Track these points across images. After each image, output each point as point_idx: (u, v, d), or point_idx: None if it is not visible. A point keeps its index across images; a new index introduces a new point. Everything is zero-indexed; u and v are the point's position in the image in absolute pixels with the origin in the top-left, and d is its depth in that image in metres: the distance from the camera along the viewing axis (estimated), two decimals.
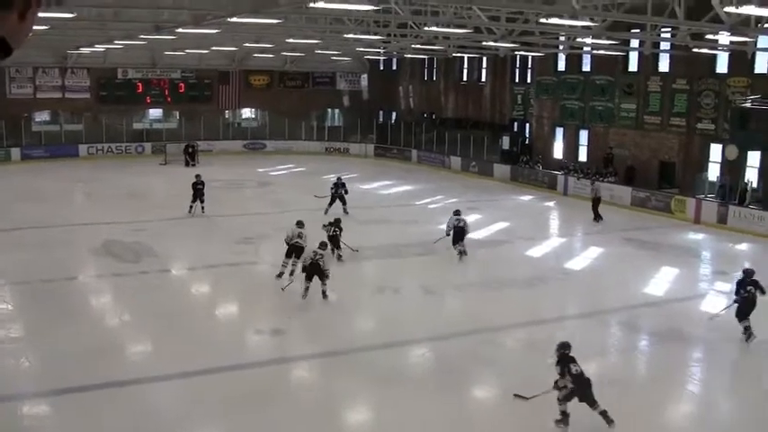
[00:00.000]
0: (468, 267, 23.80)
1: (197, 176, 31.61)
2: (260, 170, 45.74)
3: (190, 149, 46.53)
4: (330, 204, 30.80)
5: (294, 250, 20.90)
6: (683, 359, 16.60)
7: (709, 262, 26.67)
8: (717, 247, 28.23)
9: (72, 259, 23.63)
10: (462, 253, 24.19)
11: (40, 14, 21.81)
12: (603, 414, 12.12)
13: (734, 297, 17.05)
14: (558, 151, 43.37)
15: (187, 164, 45.83)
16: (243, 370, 14.96)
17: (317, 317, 18.67)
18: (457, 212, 25.00)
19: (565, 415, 12.43)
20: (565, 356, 12.43)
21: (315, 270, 18.85)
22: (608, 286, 21.67)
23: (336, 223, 23.52)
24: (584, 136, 41.80)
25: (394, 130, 54.51)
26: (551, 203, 36.49)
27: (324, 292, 19.16)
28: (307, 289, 19.01)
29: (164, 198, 35.69)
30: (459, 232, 24.32)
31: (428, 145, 50.52)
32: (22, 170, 44.07)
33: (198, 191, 30.81)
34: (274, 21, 25.99)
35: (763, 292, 16.72)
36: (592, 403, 12.20)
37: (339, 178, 32.12)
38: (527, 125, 46.40)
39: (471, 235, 26.02)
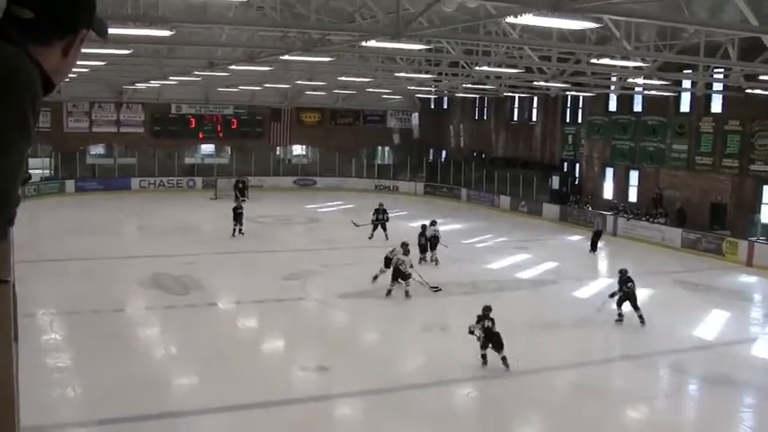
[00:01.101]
0: (514, 307, 23.57)
1: (237, 201, 36.78)
2: (309, 206, 45.95)
3: (240, 185, 46.90)
4: (373, 231, 33.39)
5: (396, 272, 23.72)
6: (733, 405, 16.21)
7: (760, 305, 26.10)
8: None
9: (121, 291, 23.84)
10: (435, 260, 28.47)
11: (98, 50, 22.30)
12: (503, 359, 16.89)
13: (617, 291, 21.61)
14: (608, 191, 43.02)
15: (237, 199, 46.16)
16: (287, 405, 14.93)
17: (364, 354, 18.61)
18: (433, 222, 29.68)
19: (484, 358, 17.14)
20: (483, 317, 17.30)
21: (397, 273, 22.09)
22: (657, 329, 21.27)
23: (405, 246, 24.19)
24: (634, 176, 41.43)
25: (444, 168, 54.60)
26: (600, 244, 36.06)
27: (406, 292, 22.56)
28: (389, 291, 22.76)
29: (213, 232, 35.93)
30: (433, 242, 28.55)
31: (478, 184, 50.46)
32: (76, 202, 44.77)
33: (238, 215, 34.51)
34: (327, 59, 26.23)
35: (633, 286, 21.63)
36: (498, 349, 16.98)
37: (381, 204, 34.63)
38: (577, 165, 46.15)
39: (520, 274, 25.84)
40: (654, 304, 24.72)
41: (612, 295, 21.62)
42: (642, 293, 26.07)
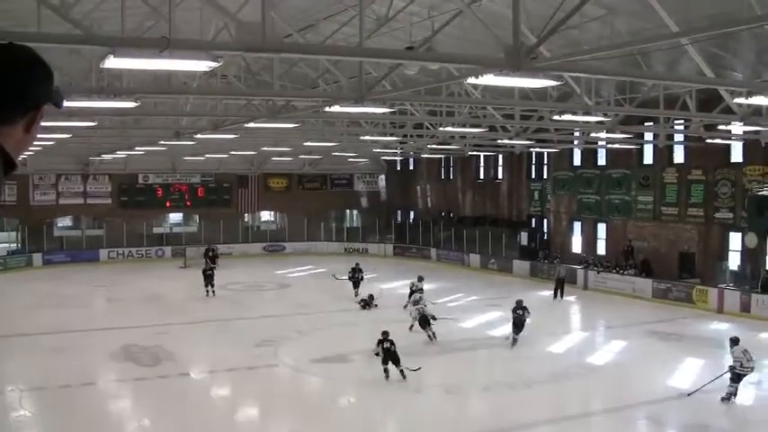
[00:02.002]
0: (489, 365, 23.57)
1: (207, 264, 39.32)
2: (279, 272, 45.77)
3: (210, 253, 46.62)
4: (355, 288, 35.33)
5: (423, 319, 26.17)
6: None
7: None
8: (742, 336, 27.64)
9: (91, 364, 23.46)
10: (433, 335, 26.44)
11: (63, 123, 22.26)
12: (401, 371, 20.61)
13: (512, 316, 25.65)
14: (576, 245, 43.25)
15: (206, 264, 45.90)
16: None
17: (339, 418, 18.40)
18: (420, 279, 31.56)
19: (386, 372, 20.84)
20: (383, 340, 21.02)
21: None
22: (632, 380, 21.24)
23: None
24: (602, 229, 41.73)
25: (412, 229, 54.79)
26: (571, 298, 36.16)
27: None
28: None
29: (184, 301, 35.61)
30: (418, 301, 28.69)
31: (447, 243, 50.59)
32: (44, 275, 44.27)
33: (208, 276, 36.65)
34: (291, 125, 26.33)
35: (528, 313, 25.65)
36: (396, 364, 20.79)
37: (357, 264, 36.94)
38: (545, 220, 46.43)
39: (493, 332, 25.87)
40: (628, 355, 24.79)
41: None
42: (616, 345, 26.24)
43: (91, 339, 26.92)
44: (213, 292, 36.38)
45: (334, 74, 22.41)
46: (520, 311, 25.64)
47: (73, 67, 21.10)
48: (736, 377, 18.68)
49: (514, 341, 25.44)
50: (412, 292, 31.02)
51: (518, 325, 25.58)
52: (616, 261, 38.67)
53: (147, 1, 14.88)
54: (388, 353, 21.01)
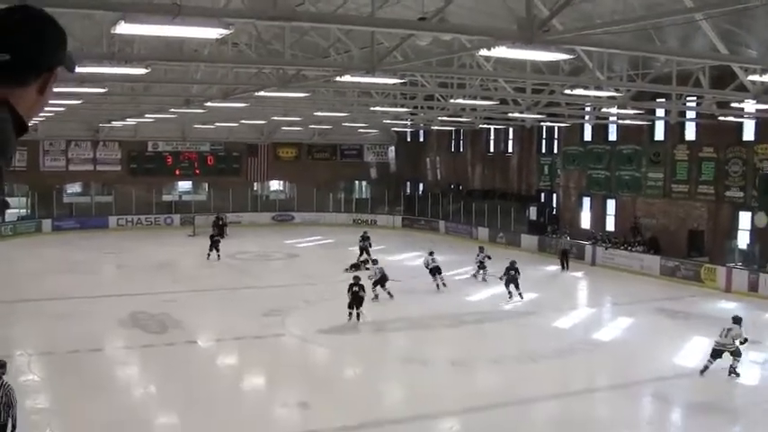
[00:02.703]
0: (496, 339, 23.57)
1: (214, 231, 41.65)
2: (288, 242, 45.82)
3: (219, 222, 46.61)
4: (360, 256, 35.97)
5: (433, 270, 30.51)
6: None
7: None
8: (748, 316, 27.43)
9: (98, 330, 23.55)
10: (443, 284, 30.34)
11: (73, 89, 22.23)
12: (358, 314, 23.98)
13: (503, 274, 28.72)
14: (585, 221, 43.16)
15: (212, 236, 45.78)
16: None
17: (345, 389, 18.47)
18: (431, 253, 31.76)
19: (350, 315, 23.96)
20: (353, 285, 24.09)
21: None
22: (639, 357, 21.24)
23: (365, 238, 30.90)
24: (611, 205, 41.60)
25: (421, 201, 54.73)
26: (579, 274, 36.13)
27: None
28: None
29: (192, 269, 35.72)
30: (435, 269, 30.62)
31: (456, 216, 50.57)
32: (53, 241, 44.43)
33: (215, 242, 38.37)
34: (302, 94, 26.24)
35: (518, 273, 28.67)
36: (359, 307, 24.01)
37: (365, 232, 38.35)
38: (554, 195, 46.31)
39: (498, 306, 25.92)
40: (635, 332, 24.76)
41: (501, 278, 29.07)
42: (622, 322, 26.23)
43: (99, 306, 27.03)
44: (218, 256, 37.72)
45: (345, 43, 22.34)
46: (513, 271, 28.76)
47: (84, 33, 21.04)
48: (714, 353, 18.78)
49: (510, 295, 28.54)
50: (430, 270, 30.92)
51: (514, 283, 28.61)
52: (624, 237, 38.58)
53: None
54: (356, 297, 24.19)
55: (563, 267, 36.93)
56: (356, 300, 24.18)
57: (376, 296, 27.50)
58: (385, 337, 23.20)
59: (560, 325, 25.51)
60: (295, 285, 31.42)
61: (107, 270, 36.88)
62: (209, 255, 37.78)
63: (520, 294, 28.43)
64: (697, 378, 19.01)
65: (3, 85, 1.80)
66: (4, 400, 12.16)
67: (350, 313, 24.11)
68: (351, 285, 24.40)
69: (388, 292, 28.07)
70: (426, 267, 31.23)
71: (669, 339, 23.25)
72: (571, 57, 15.92)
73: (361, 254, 36.53)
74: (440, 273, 30.58)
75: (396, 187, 58.81)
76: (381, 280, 28.05)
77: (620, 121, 37.64)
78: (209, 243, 38.39)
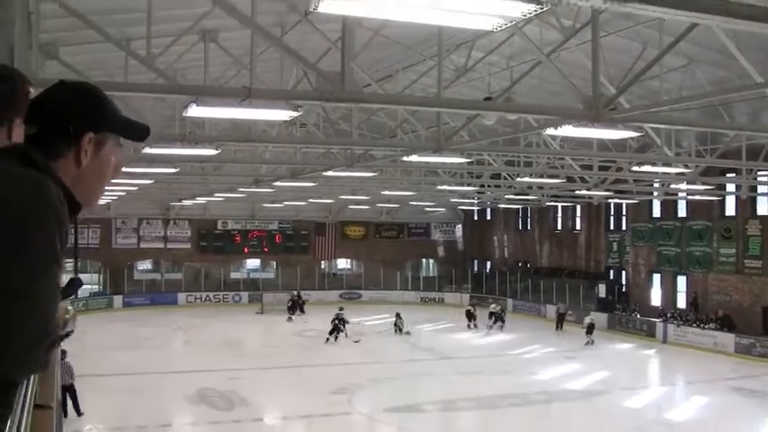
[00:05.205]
0: (565, 419, 23.12)
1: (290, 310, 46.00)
2: (354, 320, 45.71)
3: (290, 303, 46.49)
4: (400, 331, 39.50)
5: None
6: None
7: None
8: None
9: (167, 406, 23.71)
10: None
11: (145, 170, 22.76)
12: (335, 337, 34.26)
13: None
14: (655, 298, 42.38)
15: (290, 318, 45.79)
16: None
17: None
18: (398, 315, 39.08)
19: (328, 340, 34.34)
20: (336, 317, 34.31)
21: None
22: None
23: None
24: (682, 282, 40.80)
25: (489, 279, 54.41)
26: (650, 352, 35.41)
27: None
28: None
29: (259, 347, 35.88)
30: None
31: (523, 294, 50.11)
32: (123, 317, 44.96)
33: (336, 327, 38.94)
34: (370, 174, 26.48)
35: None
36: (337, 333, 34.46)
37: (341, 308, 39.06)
38: (623, 272, 45.65)
39: (569, 385, 25.48)
40: (711, 412, 24.05)
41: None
42: (698, 401, 25.52)
43: (167, 382, 27.22)
44: (290, 318, 43.45)
45: (412, 123, 22.56)
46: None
47: (156, 115, 21.63)
48: None
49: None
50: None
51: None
52: (696, 315, 37.72)
53: (230, 51, 15.21)
54: (336, 328, 35.11)
55: (557, 328, 40.97)
56: (336, 330, 35.48)
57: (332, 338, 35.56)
58: (452, 417, 22.91)
59: (632, 405, 24.90)
60: (362, 363, 31.28)
61: (175, 346, 37.23)
62: (328, 338, 36.81)
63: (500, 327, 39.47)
64: None
65: (48, 161, 1.82)
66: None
67: (327, 339, 35.23)
68: (333, 319, 35.51)
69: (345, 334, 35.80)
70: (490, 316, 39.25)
71: (747, 420, 22.56)
72: (638, 134, 15.87)
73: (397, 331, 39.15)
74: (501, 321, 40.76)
75: (463, 265, 58.66)
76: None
77: (689, 197, 37.17)
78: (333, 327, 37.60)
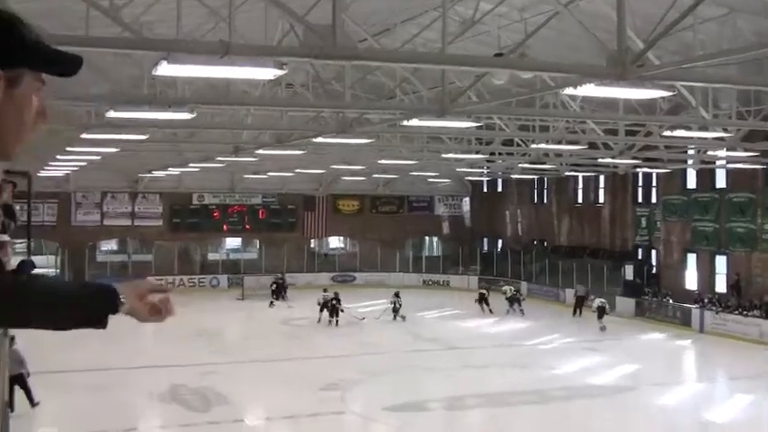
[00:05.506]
0: (587, 419, 23.22)
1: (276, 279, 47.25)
2: (348, 306, 45.84)
3: (274, 286, 46.54)
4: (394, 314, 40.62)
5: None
6: None
7: None
8: None
9: (133, 406, 23.77)
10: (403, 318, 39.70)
11: (110, 136, 22.76)
12: (336, 321, 38.23)
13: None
14: (690, 281, 42.46)
15: (272, 303, 45.83)
16: None
17: None
18: (397, 294, 40.75)
19: (320, 319, 38.19)
20: (333, 298, 38.07)
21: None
22: None
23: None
24: (721, 262, 40.88)
25: (500, 259, 54.56)
26: (685, 342, 35.54)
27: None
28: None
29: (239, 337, 36.00)
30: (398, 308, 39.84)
31: (540, 276, 50.27)
32: None
33: (276, 291, 45.11)
34: (365, 141, 26.45)
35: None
36: (336, 316, 38.33)
37: (397, 292, 41.85)
38: (653, 252, 45.72)
39: (592, 380, 25.62)
40: (757, 412, 24.09)
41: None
42: (741, 400, 25.55)
43: (134, 378, 27.30)
44: (337, 322, 40.43)
45: (412, 83, 22.53)
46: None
47: (122, 75, 21.57)
48: None
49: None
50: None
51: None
52: (738, 300, 37.77)
53: (205, 2, 15.15)
54: (333, 309, 38.06)
55: (575, 313, 42.03)
56: (334, 311, 38.10)
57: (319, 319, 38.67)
58: (458, 417, 22.99)
59: (664, 403, 25.04)
60: (356, 355, 31.41)
61: (144, 337, 37.20)
62: (271, 302, 42.31)
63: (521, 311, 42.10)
64: None
65: None
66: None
67: (329, 321, 38.15)
68: (330, 300, 38.45)
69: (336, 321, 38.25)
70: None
71: None
72: (670, 94, 15.87)
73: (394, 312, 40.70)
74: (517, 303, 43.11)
75: (471, 244, 58.77)
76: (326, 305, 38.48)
77: (729, 166, 37.14)
78: (271, 292, 43.08)
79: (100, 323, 2.15)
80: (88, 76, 17.15)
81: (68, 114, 24.00)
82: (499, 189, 59.80)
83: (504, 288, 45.17)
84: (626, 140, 29.07)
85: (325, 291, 40.16)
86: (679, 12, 11.54)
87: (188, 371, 27.92)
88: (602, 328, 37.20)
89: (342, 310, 38.53)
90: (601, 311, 37.71)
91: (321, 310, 38.77)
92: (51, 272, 49.71)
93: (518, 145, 31.92)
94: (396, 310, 40.13)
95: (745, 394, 26.22)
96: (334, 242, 60.71)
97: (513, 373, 28.45)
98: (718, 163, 36.80)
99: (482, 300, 43.61)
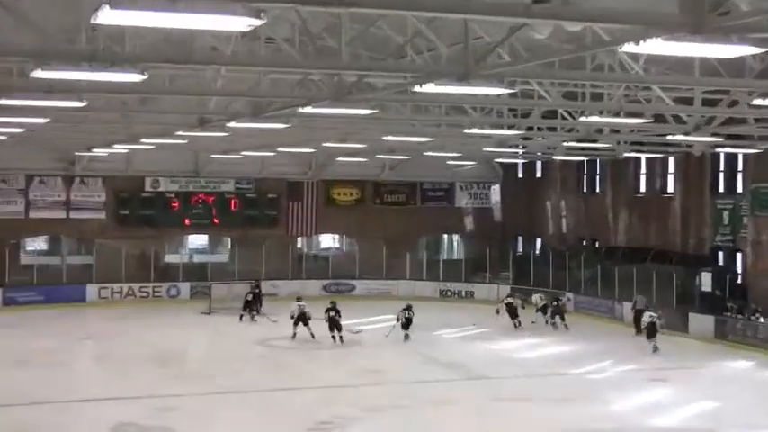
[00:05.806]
0: None
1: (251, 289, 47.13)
2: (344, 322, 45.83)
3: (250, 296, 46.23)
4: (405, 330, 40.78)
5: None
6: None
7: None
8: None
9: None
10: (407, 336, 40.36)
11: (37, 102, 22.70)
12: (341, 337, 39.66)
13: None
14: None
15: (242, 317, 45.65)
16: None
17: None
18: (409, 307, 40.98)
19: (333, 338, 39.36)
20: (330, 308, 39.64)
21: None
22: None
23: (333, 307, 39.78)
24: None
25: (538, 264, 54.51)
26: None
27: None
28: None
29: (205, 363, 35.95)
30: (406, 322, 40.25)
31: (590, 286, 50.20)
32: (5, 321, 44.74)
33: (249, 303, 45.73)
34: (367, 111, 26.40)
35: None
36: (339, 330, 39.58)
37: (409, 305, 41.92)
38: (738, 255, 45.68)
39: (657, 420, 25.63)
40: None
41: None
42: None
43: (69, 415, 27.23)
44: (253, 317, 45.03)
45: (427, 38, 22.47)
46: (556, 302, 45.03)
47: (54, 24, 21.51)
48: None
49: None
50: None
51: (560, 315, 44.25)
52: None
53: None
54: (333, 321, 39.04)
55: (637, 331, 40.77)
56: (334, 324, 39.14)
57: (294, 335, 39.52)
58: None
59: None
60: (353, 386, 31.46)
61: (83, 363, 37.34)
62: (241, 316, 44.13)
63: (565, 325, 43.89)
64: None
65: None
66: None
67: (332, 337, 39.10)
68: (327, 310, 39.56)
69: (311, 333, 39.13)
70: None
71: None
72: (763, 50, 15.79)
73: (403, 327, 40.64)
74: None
75: (501, 244, 58.74)
76: (301, 318, 39.12)
77: None
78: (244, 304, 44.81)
79: None
80: (8, 25, 17.06)
81: None
82: (538, 175, 59.89)
83: (533, 297, 46.17)
84: (703, 112, 29.03)
85: (298, 300, 40.93)
86: None
87: (140, 405, 27.95)
88: (655, 349, 37.26)
89: (339, 327, 39.29)
90: (651, 328, 37.64)
91: (295, 324, 39.42)
92: None
93: (563, 118, 31.90)
94: (406, 326, 40.20)
95: None
96: (327, 241, 60.86)
97: (555, 409, 28.42)
98: None
99: (511, 311, 44.05)
